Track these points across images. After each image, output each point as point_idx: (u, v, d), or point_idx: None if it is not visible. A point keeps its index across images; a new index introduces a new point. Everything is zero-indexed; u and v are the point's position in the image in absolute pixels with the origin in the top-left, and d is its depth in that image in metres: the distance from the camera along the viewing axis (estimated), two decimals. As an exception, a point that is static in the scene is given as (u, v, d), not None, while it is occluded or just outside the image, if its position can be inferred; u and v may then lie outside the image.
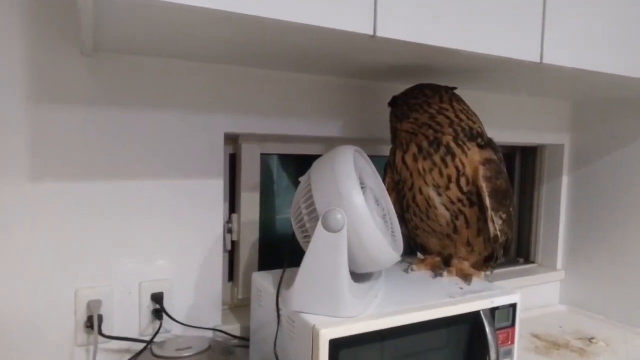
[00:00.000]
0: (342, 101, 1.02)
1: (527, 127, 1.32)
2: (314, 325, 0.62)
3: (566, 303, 1.40)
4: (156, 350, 0.71)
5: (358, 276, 0.73)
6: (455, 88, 0.88)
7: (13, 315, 0.76)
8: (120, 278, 0.83)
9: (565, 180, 1.41)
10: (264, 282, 0.80)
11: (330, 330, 0.61)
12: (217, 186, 0.91)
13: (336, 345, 0.62)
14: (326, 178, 0.68)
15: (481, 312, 0.74)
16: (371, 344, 0.65)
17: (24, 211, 0.75)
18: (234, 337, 0.92)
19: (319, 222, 0.66)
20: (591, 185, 1.34)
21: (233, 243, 1.03)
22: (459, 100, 0.83)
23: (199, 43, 0.71)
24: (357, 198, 0.65)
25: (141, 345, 0.80)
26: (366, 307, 0.68)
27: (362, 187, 0.70)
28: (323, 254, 0.65)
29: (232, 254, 1.04)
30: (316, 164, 0.72)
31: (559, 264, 1.43)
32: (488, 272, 0.95)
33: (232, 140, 1.01)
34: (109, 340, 0.80)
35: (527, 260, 1.50)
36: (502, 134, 1.28)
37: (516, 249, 1.53)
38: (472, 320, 0.74)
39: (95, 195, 0.81)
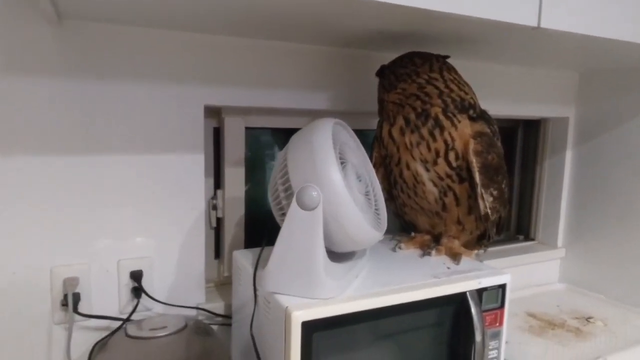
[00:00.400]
0: (330, 72, 0.97)
1: (530, 99, 1.26)
2: (287, 307, 0.60)
3: (566, 282, 1.37)
4: (130, 330, 0.69)
5: (338, 255, 0.70)
6: (447, 57, 0.82)
7: (-13, 293, 0.74)
8: (98, 256, 0.81)
9: (569, 155, 1.35)
10: (244, 260, 0.77)
11: (303, 312, 0.59)
12: (198, 161, 0.87)
13: (310, 328, 0.59)
14: (302, 153, 0.64)
15: (467, 293, 0.70)
16: (348, 327, 0.62)
17: (-8, 187, 0.73)
18: (217, 315, 0.90)
19: (294, 200, 0.62)
20: (596, 161, 1.29)
21: (218, 220, 1.00)
22: (451, 69, 0.78)
23: (174, 10, 0.66)
24: (334, 174, 0.61)
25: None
26: (345, 288, 0.65)
27: (342, 163, 0.66)
28: (298, 233, 0.62)
29: (218, 230, 1.01)
30: (294, 138, 0.68)
31: (560, 242, 1.39)
32: (481, 251, 0.91)
33: (215, 113, 0.96)
34: (86, 318, 0.79)
35: (527, 237, 1.46)
36: (503, 107, 1.22)
37: (516, 226, 1.49)
38: (458, 302, 0.71)
39: (69, 170, 0.77)
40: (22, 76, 0.73)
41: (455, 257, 0.80)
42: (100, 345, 0.69)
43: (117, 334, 0.69)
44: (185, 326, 0.72)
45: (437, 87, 0.75)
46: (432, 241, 0.88)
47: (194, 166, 0.87)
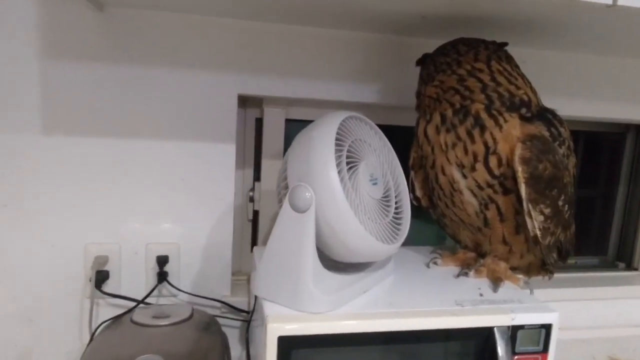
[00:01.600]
0: (377, 61, 0.88)
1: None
2: (267, 316, 0.54)
3: (675, 326, 1.10)
4: (136, 315, 0.69)
5: (344, 265, 0.63)
6: (505, 44, 0.69)
7: (29, 262, 0.80)
8: (128, 237, 0.83)
9: (692, 170, 1.09)
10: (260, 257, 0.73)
11: (281, 325, 0.53)
12: (229, 151, 0.85)
13: (288, 343, 0.53)
14: (301, 148, 0.57)
15: (495, 329, 0.58)
16: (336, 348, 0.55)
17: (36, 164, 0.78)
18: (238, 310, 0.87)
19: (286, 199, 0.56)
20: None
21: (255, 212, 0.97)
22: (502, 59, 0.65)
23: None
24: (330, 173, 0.54)
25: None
26: (340, 304, 0.57)
27: (353, 162, 0.59)
28: (287, 236, 0.56)
29: (255, 223, 0.99)
30: (301, 132, 0.61)
31: (672, 277, 1.13)
32: (526, 279, 0.75)
33: (258, 103, 0.94)
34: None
35: (629, 266, 1.21)
36: (605, 108, 1.01)
37: (616, 251, 1.24)
38: (482, 338, 0.59)
39: (105, 152, 0.80)
40: (66, 60, 0.76)
41: (495, 281, 0.68)
42: (105, 326, 0.71)
43: (124, 317, 0.70)
44: (189, 318, 0.70)
45: (480, 80, 0.62)
46: (477, 260, 0.76)
47: (224, 156, 0.85)
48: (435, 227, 1.00)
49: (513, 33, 0.77)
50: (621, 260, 1.23)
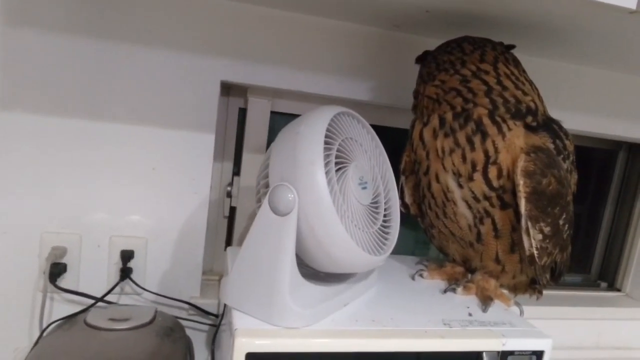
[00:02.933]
0: (374, 57, 0.83)
1: (636, 116, 1.00)
2: (236, 329, 0.48)
3: (655, 350, 1.09)
4: (90, 317, 0.62)
5: (326, 275, 0.57)
6: (512, 47, 0.64)
7: (-24, 248, 0.72)
8: (90, 228, 0.76)
9: (683, 193, 1.06)
10: (234, 259, 0.67)
11: (249, 341, 0.47)
12: (207, 142, 0.79)
13: (257, 361, 0.47)
14: (286, 144, 0.52)
15: (484, 354, 0.53)
16: (311, 368, 0.49)
17: (-9, 141, 0.70)
18: (207, 313, 0.81)
19: (266, 199, 0.50)
20: None
21: (232, 209, 0.91)
22: (510, 62, 0.60)
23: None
24: (317, 174, 0.48)
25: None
26: (318, 318, 0.52)
27: (342, 163, 0.53)
28: (265, 241, 0.50)
29: (231, 220, 0.93)
30: (287, 126, 0.55)
31: (655, 300, 1.11)
32: (515, 300, 0.71)
33: (242, 92, 0.87)
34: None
35: (612, 286, 1.19)
36: (600, 123, 0.98)
37: (599, 270, 1.22)
38: (470, 363, 0.54)
39: (70, 134, 0.73)
40: (29, 28, 0.69)
41: (485, 301, 0.63)
42: (56, 326, 0.64)
43: (78, 318, 0.63)
44: (150, 322, 0.64)
45: (485, 82, 0.58)
46: (465, 275, 0.71)
47: (202, 147, 0.78)
48: (414, 233, 0.95)
49: (518, 38, 0.73)
50: (604, 279, 1.21)
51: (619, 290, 1.18)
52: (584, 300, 1.10)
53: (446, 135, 0.59)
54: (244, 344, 0.47)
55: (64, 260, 0.75)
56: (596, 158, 1.18)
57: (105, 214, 0.76)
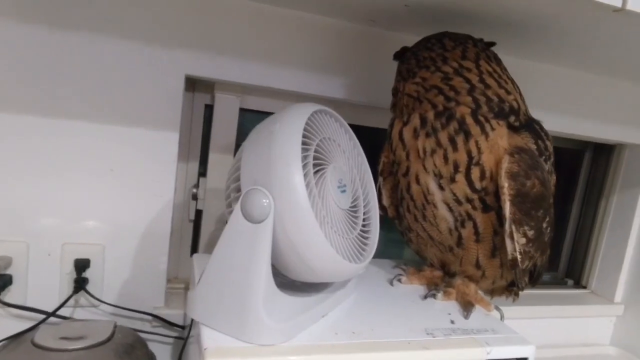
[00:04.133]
0: (349, 54, 0.79)
1: (605, 117, 1.01)
2: (206, 348, 0.44)
3: (620, 346, 1.11)
4: (37, 337, 0.56)
5: (300, 284, 0.53)
6: (492, 44, 0.62)
7: None
8: (39, 235, 0.69)
9: (646, 192, 1.09)
10: (202, 268, 0.62)
11: (222, 362, 0.42)
12: (171, 141, 0.73)
13: (229, 384, 0.43)
14: (260, 144, 0.47)
15: (469, 364, 0.51)
16: (288, 388, 0.45)
17: None
18: (172, 324, 0.76)
19: (237, 205, 0.46)
20: (681, 204, 1.02)
21: (198, 212, 0.86)
22: (492, 59, 0.58)
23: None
24: (294, 177, 0.44)
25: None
26: (295, 332, 0.48)
27: (320, 165, 0.49)
28: (237, 251, 0.46)
29: (197, 224, 0.87)
30: (260, 125, 0.51)
31: (619, 296, 1.13)
32: (496, 306, 0.70)
33: (209, 88, 0.82)
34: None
35: (578, 284, 1.21)
36: (568, 123, 0.99)
37: (566, 268, 1.24)
38: (454, 373, 0.52)
39: (14, 129, 0.66)
40: (-32, 14, 0.61)
41: (466, 306, 0.61)
42: (0, 347, 0.57)
43: (25, 337, 0.57)
44: (108, 339, 0.58)
45: (468, 80, 0.55)
46: (444, 280, 0.69)
47: (165, 146, 0.73)
48: (386, 233, 0.93)
49: (496, 36, 0.71)
50: (570, 277, 1.23)
51: (585, 287, 1.20)
52: (552, 299, 1.11)
53: (427, 135, 0.57)
54: (214, 365, 0.42)
55: (9, 272, 0.67)
56: (564, 158, 1.19)
57: (57, 219, 0.69)
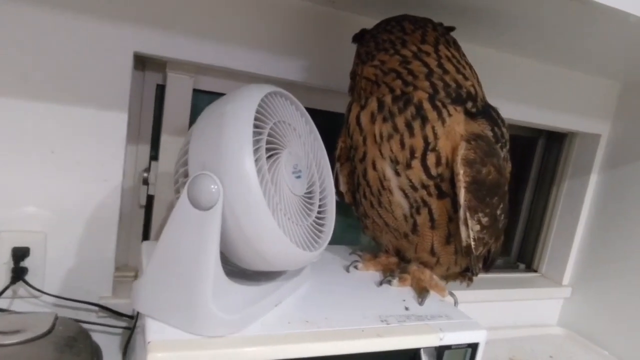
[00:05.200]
0: (307, 35, 0.77)
1: (556, 106, 1.04)
2: (150, 342, 0.41)
3: (566, 327, 1.16)
4: (-32, 330, 0.52)
5: (252, 273, 0.52)
6: (452, 29, 0.62)
7: None
8: (-29, 222, 0.64)
9: (594, 179, 1.13)
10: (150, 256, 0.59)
11: (167, 355, 0.40)
12: (119, 122, 0.69)
13: (175, 378, 0.41)
14: (209, 127, 0.45)
15: (422, 351, 0.51)
16: (238, 380, 0.44)
17: None
18: (120, 315, 0.72)
19: (184, 190, 0.43)
20: (626, 191, 1.06)
21: (150, 198, 0.82)
22: (451, 44, 0.58)
23: None
24: (245, 162, 0.42)
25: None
26: (246, 323, 0.46)
27: (274, 149, 0.47)
28: (183, 239, 0.43)
29: (148, 210, 0.84)
30: (210, 106, 0.48)
31: (567, 279, 1.18)
32: (461, 283, 0.72)
33: (161, 67, 0.78)
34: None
35: (529, 267, 1.26)
36: (522, 111, 1.00)
37: (518, 252, 1.28)
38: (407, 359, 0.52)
39: (-59, 109, 0.60)
40: None
41: (421, 292, 0.61)
42: None
43: (-47, 332, 0.52)
44: (48, 332, 0.55)
45: (426, 65, 0.54)
46: (399, 266, 0.69)
47: (113, 127, 0.69)
48: (344, 218, 0.92)
49: (453, 21, 0.71)
50: (522, 261, 1.27)
51: (535, 271, 1.24)
52: (504, 282, 1.14)
53: (384, 120, 0.56)
54: (158, 359, 0.40)
55: (-63, 261, 0.62)
56: (517, 145, 1.22)
57: (-9, 204, 0.64)
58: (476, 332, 0.55)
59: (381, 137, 0.56)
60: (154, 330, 0.43)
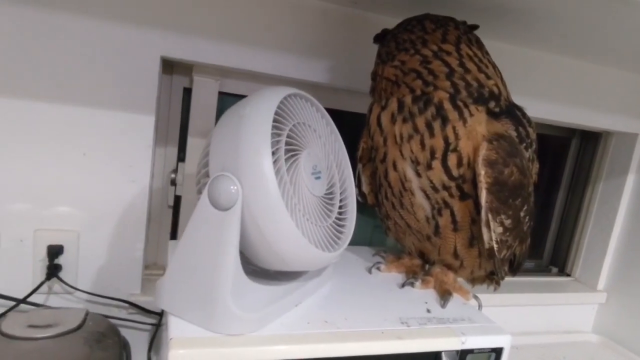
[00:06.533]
0: (332, 37, 0.77)
1: (591, 105, 1.00)
2: (172, 338, 0.43)
3: (602, 334, 1.11)
4: (5, 325, 0.54)
5: (273, 272, 0.52)
6: (475, 27, 0.60)
7: None
8: (10, 221, 0.67)
9: (631, 180, 1.09)
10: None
11: (188, 352, 0.41)
12: (147, 125, 0.71)
13: (195, 374, 0.42)
14: (229, 129, 0.46)
15: (443, 354, 0.51)
16: (257, 378, 0.44)
17: None
18: (148, 312, 0.75)
19: (205, 191, 0.44)
20: (666, 193, 1.02)
21: (177, 198, 0.84)
22: (473, 43, 0.57)
23: None
24: (263, 163, 0.43)
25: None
26: (265, 322, 0.47)
27: (294, 151, 0.48)
28: (204, 239, 0.44)
29: (176, 210, 0.86)
30: (231, 109, 0.49)
31: (602, 284, 1.13)
32: (488, 287, 0.70)
33: (188, 70, 0.80)
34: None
35: (562, 271, 1.21)
36: (555, 110, 0.97)
37: (551, 255, 1.24)
38: (428, 363, 0.51)
39: (-17, 114, 0.64)
40: None
41: (444, 295, 0.60)
42: (-36, 336, 0.55)
43: (-9, 325, 0.55)
44: (78, 327, 0.57)
45: (447, 64, 0.54)
46: (423, 267, 0.68)
47: (140, 130, 0.71)
48: (372, 220, 0.92)
49: (479, 19, 0.70)
50: (555, 265, 1.23)
51: (568, 275, 1.20)
52: (535, 286, 1.11)
53: (405, 121, 0.55)
54: (180, 356, 0.41)
55: (-21, 258, 0.66)
56: (550, 145, 1.18)
57: (28, 204, 0.68)
58: (500, 336, 0.54)
59: (401, 137, 0.55)
60: (176, 327, 0.44)
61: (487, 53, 0.58)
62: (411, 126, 0.54)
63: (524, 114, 0.58)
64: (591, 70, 0.97)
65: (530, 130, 0.58)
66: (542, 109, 0.96)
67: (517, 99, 0.61)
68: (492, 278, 0.72)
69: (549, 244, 1.23)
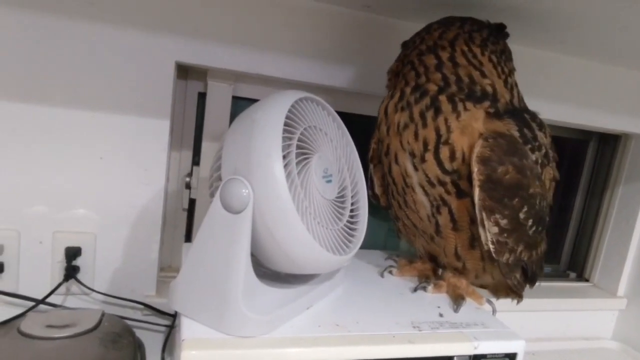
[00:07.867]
0: (348, 41, 0.77)
1: (610, 107, 0.99)
2: (184, 340, 0.43)
3: (621, 341, 1.09)
4: (24, 325, 0.56)
5: (284, 275, 0.53)
6: (502, 27, 0.60)
7: None
8: (30, 223, 0.69)
9: (651, 184, 1.06)
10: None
11: (199, 353, 0.42)
12: (162, 129, 0.72)
13: (207, 376, 0.42)
14: (240, 133, 0.46)
15: (455, 359, 0.50)
16: (267, 380, 0.45)
17: None
18: (163, 313, 0.76)
19: (217, 194, 0.45)
20: (688, 197, 0.99)
21: (192, 201, 0.85)
22: (476, 41, 0.56)
23: None
24: (274, 167, 0.43)
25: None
26: (277, 324, 0.47)
27: (305, 154, 0.48)
28: (216, 241, 0.45)
29: (191, 213, 0.87)
30: (243, 113, 0.50)
31: (622, 290, 1.11)
32: (512, 300, 0.69)
33: (202, 75, 0.81)
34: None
35: (580, 277, 1.19)
36: (571, 112, 0.96)
37: (568, 260, 1.22)
38: (440, 368, 0.51)
39: (3, 117, 0.65)
40: (-47, -1, 0.61)
41: (457, 299, 0.60)
42: (-15, 335, 0.57)
43: (11, 324, 0.57)
44: (95, 328, 0.58)
45: (438, 57, 0.54)
46: (435, 271, 0.68)
47: (156, 134, 0.72)
48: (386, 223, 0.92)
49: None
50: (573, 270, 1.21)
51: (587, 280, 1.18)
52: (553, 292, 1.09)
53: (403, 109, 0.56)
54: (192, 357, 0.42)
55: (0, 259, 0.68)
56: (567, 148, 1.16)
57: (47, 207, 0.69)
58: (514, 342, 0.53)
59: (398, 126, 0.56)
60: (189, 329, 0.45)
61: (493, 54, 0.56)
62: (408, 114, 0.55)
63: (534, 118, 0.58)
64: (609, 72, 0.96)
65: (539, 133, 0.57)
66: (558, 111, 0.95)
67: (532, 101, 0.60)
68: (514, 291, 0.71)
69: (566, 249, 1.21)
